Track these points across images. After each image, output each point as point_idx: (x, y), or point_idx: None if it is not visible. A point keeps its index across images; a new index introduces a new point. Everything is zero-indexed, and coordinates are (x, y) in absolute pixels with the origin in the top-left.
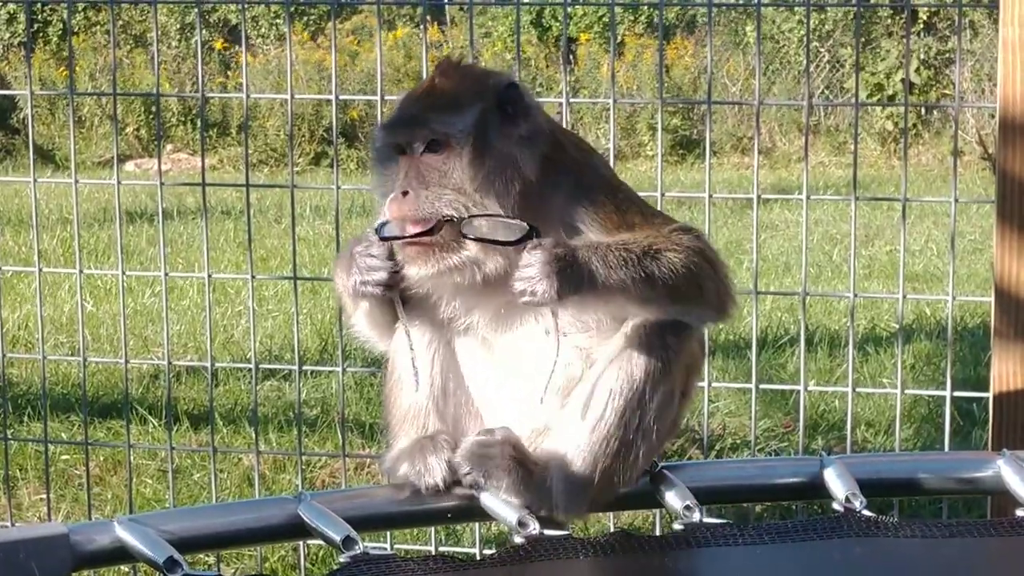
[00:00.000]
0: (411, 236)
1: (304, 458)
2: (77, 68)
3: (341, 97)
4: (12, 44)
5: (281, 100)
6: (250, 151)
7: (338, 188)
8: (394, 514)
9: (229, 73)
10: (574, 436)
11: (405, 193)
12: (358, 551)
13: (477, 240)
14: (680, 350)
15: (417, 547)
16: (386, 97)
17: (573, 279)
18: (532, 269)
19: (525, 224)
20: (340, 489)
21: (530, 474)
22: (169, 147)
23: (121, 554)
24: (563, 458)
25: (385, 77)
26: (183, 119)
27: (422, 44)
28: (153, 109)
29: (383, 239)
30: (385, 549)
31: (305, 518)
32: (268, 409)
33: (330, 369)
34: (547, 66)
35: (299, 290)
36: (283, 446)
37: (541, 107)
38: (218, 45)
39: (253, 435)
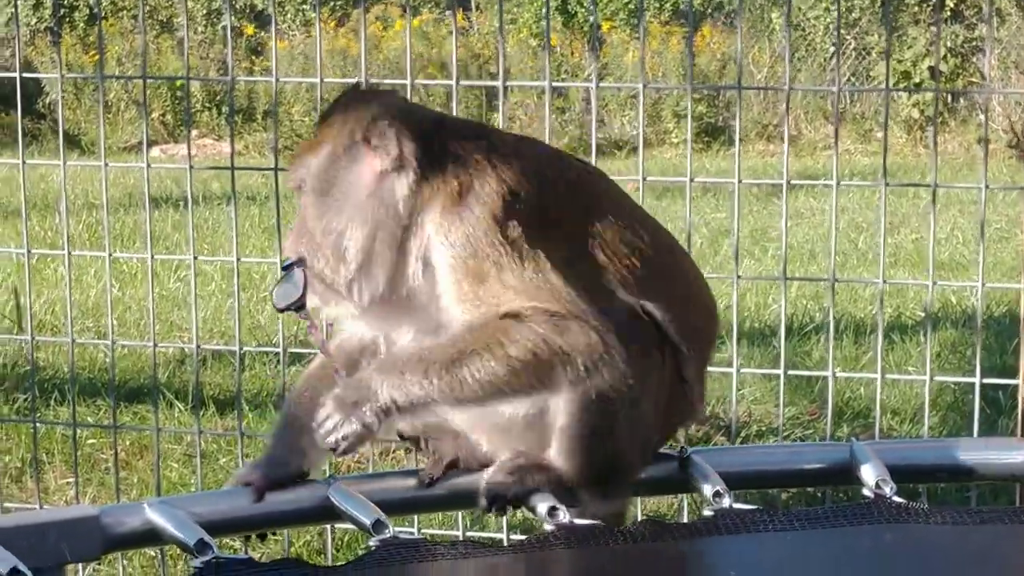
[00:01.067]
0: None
1: None
2: (104, 53)
3: (372, 81)
4: (39, 29)
5: (307, 86)
6: (277, 136)
7: None
8: (424, 498)
9: (255, 59)
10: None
11: (292, 231)
12: (388, 535)
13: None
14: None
15: (442, 532)
16: (415, 82)
17: (375, 411)
18: (328, 421)
19: (297, 295)
20: (369, 473)
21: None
22: (195, 133)
23: (151, 536)
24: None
25: (416, 63)
26: (208, 105)
27: (451, 31)
28: (179, 95)
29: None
30: (413, 533)
31: (335, 502)
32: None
33: None
34: (572, 53)
35: None
36: None
37: (435, 123)
38: (249, 31)
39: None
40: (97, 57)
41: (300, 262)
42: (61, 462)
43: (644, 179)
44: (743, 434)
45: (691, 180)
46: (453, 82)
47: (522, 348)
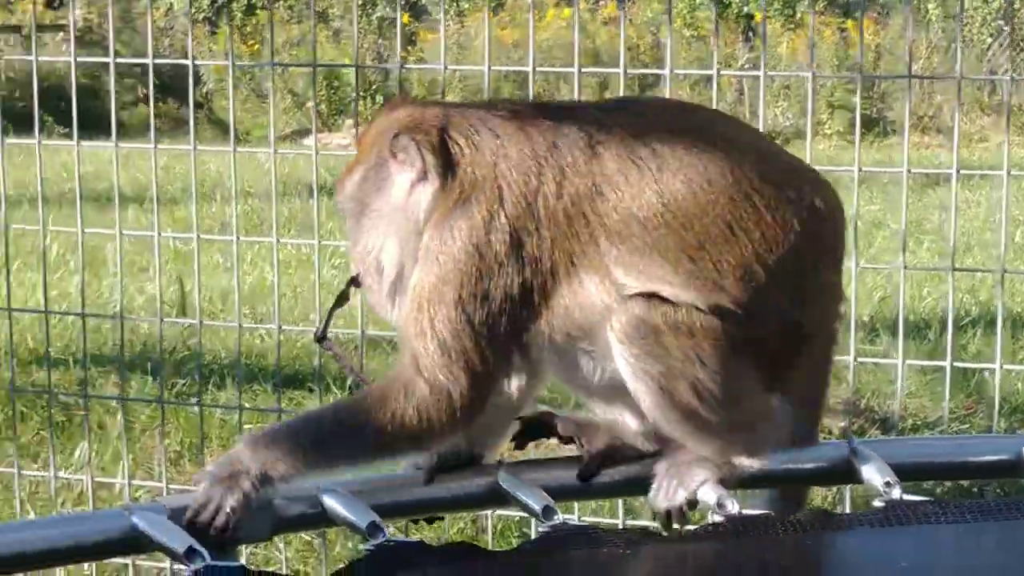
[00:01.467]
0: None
1: None
2: (261, 43)
3: (539, 69)
4: (197, 19)
5: (460, 75)
6: None
7: None
8: (590, 487)
9: (410, 48)
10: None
11: None
12: (557, 521)
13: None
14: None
15: (595, 519)
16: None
17: (251, 480)
18: (209, 501)
19: (319, 330)
20: (535, 458)
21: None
22: (349, 122)
23: (322, 519)
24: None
25: (560, 54)
26: (363, 94)
27: (603, 21)
28: (334, 84)
29: None
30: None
31: (505, 487)
32: None
33: None
34: (725, 43)
35: None
36: None
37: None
38: (404, 19)
39: None
40: (256, 47)
41: (355, 281)
42: (219, 446)
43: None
44: (899, 428)
45: (859, 169)
46: (621, 70)
47: (382, 427)
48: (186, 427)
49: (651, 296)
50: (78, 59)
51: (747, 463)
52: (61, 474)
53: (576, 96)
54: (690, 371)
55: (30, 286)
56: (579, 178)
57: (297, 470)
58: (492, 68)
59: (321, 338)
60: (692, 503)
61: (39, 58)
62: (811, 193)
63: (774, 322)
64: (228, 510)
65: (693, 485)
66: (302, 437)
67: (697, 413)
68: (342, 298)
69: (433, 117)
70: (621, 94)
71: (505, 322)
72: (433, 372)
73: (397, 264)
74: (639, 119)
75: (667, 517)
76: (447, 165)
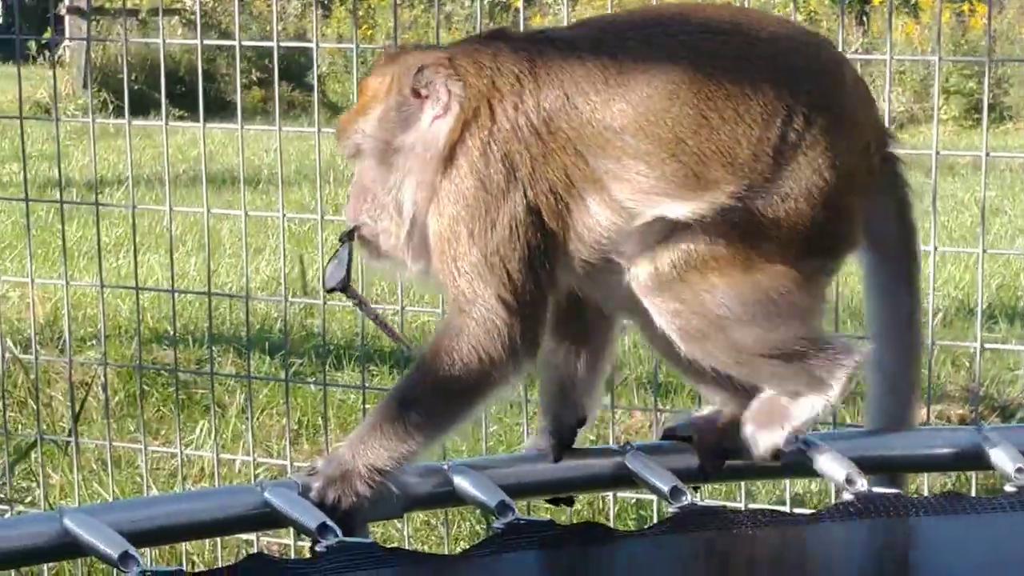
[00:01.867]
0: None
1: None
2: (374, 27)
3: None
4: (309, 3)
5: None
6: None
7: None
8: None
9: None
10: None
11: (349, 198)
12: (685, 502)
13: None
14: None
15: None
16: None
17: (364, 481)
18: (324, 509)
19: (342, 275)
20: (660, 442)
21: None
22: None
23: (450, 497)
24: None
25: None
26: None
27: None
28: None
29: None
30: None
31: (633, 468)
32: None
33: None
34: (840, 26)
35: None
36: None
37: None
38: (516, 2)
39: None
40: (369, 31)
41: (351, 235)
42: (337, 426)
43: (937, 153)
44: (1018, 415)
45: (987, 155)
46: None
47: (449, 378)
48: (302, 406)
49: (657, 226)
50: (169, 42)
51: (821, 397)
52: (187, 451)
53: None
54: (723, 311)
55: (148, 266)
56: (553, 94)
57: (401, 452)
58: None
59: (344, 287)
60: (776, 454)
61: (167, 41)
62: (794, 54)
63: (785, 197)
64: (347, 507)
65: (777, 434)
66: (389, 420)
67: (747, 352)
68: (348, 252)
69: (443, 55)
70: None
71: (523, 248)
72: (471, 308)
73: (415, 202)
74: (611, 26)
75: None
76: (463, 97)
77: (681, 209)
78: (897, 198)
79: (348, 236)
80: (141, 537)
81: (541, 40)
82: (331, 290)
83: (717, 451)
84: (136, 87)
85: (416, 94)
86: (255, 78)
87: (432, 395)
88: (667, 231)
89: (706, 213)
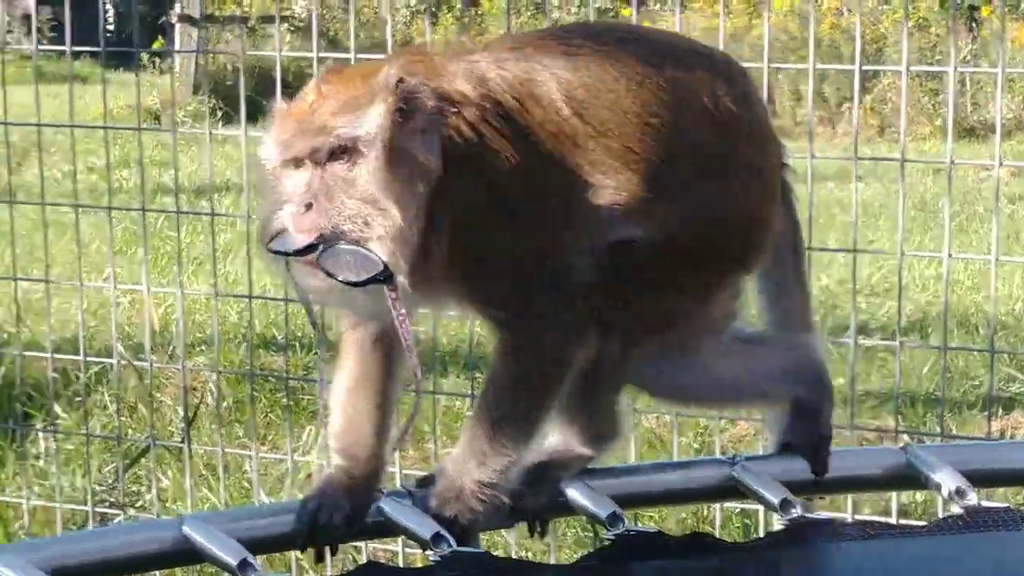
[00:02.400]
0: (294, 252)
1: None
2: (482, 34)
3: (773, 65)
4: (418, 11)
5: None
6: None
7: None
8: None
9: None
10: None
11: (309, 206)
12: (795, 514)
13: (327, 273)
14: None
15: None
16: (772, 65)
17: (470, 493)
18: (441, 524)
19: (380, 263)
20: (766, 455)
21: None
22: None
23: (563, 508)
24: None
25: (778, 45)
26: None
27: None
28: None
29: (273, 252)
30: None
31: (742, 481)
32: None
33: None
34: (948, 34)
35: None
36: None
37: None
38: (626, 12)
39: None
40: (476, 38)
41: (327, 239)
42: (442, 433)
43: None
44: None
45: None
46: (810, 66)
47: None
48: (407, 412)
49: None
50: (284, 53)
51: None
52: (296, 457)
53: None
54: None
55: (256, 272)
56: (516, 102)
57: (503, 464)
58: None
59: (386, 277)
60: None
61: (247, 52)
62: (717, 82)
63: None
64: (463, 523)
65: None
66: (486, 435)
67: None
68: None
69: (432, 64)
70: (811, 91)
71: (545, 245)
72: (526, 310)
73: (419, 217)
74: (570, 38)
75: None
76: (450, 108)
77: (638, 231)
78: (786, 200)
79: (327, 239)
80: (258, 545)
81: (517, 42)
82: (364, 284)
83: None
84: (245, 94)
85: (412, 99)
86: None
87: (519, 403)
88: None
89: (659, 237)
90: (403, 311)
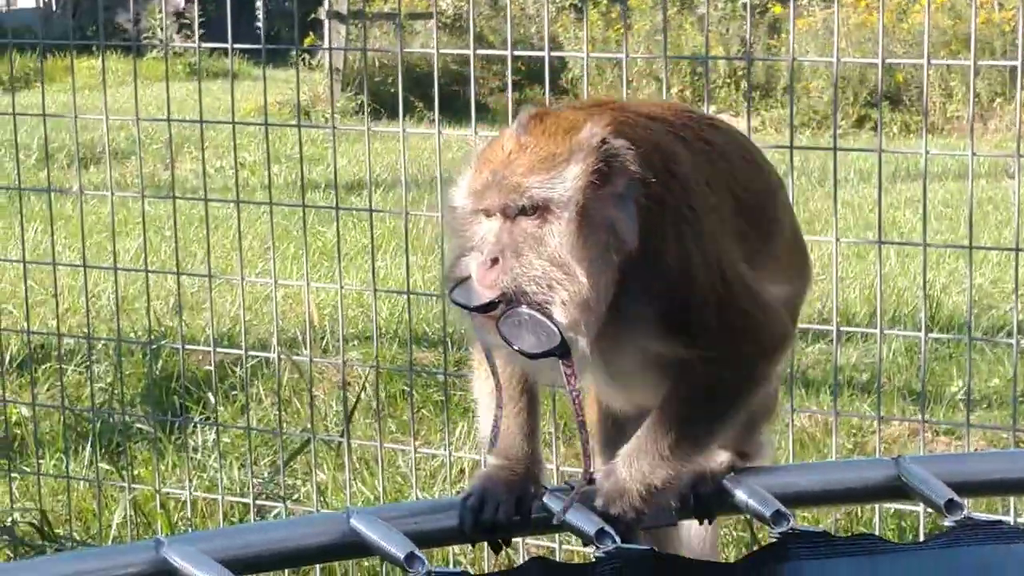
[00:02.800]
0: (474, 308)
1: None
2: (627, 28)
3: (887, 61)
4: (563, 6)
5: (826, 63)
6: (793, 113)
7: (881, 151)
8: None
9: (777, 36)
10: None
11: (495, 260)
12: (961, 516)
13: (504, 339)
14: None
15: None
16: (932, 61)
17: (637, 494)
18: (607, 521)
19: (559, 336)
20: (940, 455)
21: None
22: (713, 108)
23: (727, 504)
24: None
25: (932, 39)
26: (728, 80)
27: (971, 7)
28: (698, 71)
29: (454, 303)
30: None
31: (907, 482)
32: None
33: (870, 331)
34: None
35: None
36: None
37: (646, 148)
38: (776, 9)
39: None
40: (622, 31)
41: (509, 299)
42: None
43: None
44: None
45: None
46: (971, 63)
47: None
48: (561, 409)
49: None
50: (441, 51)
51: None
52: (454, 452)
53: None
54: None
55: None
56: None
57: (677, 470)
58: (841, 60)
59: (565, 352)
60: None
61: (404, 50)
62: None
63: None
64: (627, 522)
65: None
66: (665, 440)
67: None
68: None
69: (640, 130)
70: (972, 88)
71: (743, 295)
72: (742, 327)
73: (596, 282)
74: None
75: None
76: (657, 176)
77: None
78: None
79: (511, 301)
80: (423, 538)
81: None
82: (539, 356)
83: None
84: (392, 91)
85: (605, 164)
86: (506, 82)
87: (708, 413)
88: None
89: None
90: (577, 388)
